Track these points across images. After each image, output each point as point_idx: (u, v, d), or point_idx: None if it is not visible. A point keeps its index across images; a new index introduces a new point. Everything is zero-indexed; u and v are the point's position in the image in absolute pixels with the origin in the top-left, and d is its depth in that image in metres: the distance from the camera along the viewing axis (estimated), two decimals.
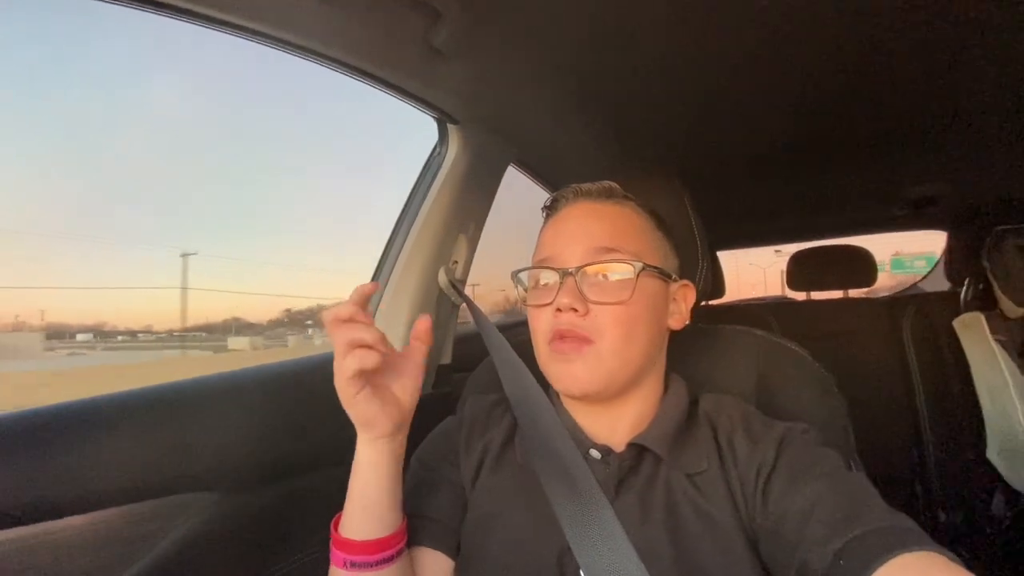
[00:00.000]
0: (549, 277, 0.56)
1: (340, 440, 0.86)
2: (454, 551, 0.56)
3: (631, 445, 0.54)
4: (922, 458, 1.53)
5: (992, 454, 1.26)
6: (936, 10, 0.76)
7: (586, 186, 0.60)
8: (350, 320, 0.46)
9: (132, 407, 0.61)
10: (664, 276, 0.57)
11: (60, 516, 0.52)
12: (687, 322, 0.60)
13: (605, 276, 0.54)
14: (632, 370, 0.54)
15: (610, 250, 0.54)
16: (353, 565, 0.49)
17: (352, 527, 0.50)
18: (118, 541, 0.56)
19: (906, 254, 7.27)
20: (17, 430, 0.52)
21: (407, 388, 0.51)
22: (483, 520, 0.55)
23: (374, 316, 0.93)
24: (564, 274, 0.54)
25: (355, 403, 0.48)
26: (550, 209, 0.62)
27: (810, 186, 1.64)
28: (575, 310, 0.52)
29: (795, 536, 0.44)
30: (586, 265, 0.54)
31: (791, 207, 1.86)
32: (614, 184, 0.60)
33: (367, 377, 0.47)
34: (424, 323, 0.53)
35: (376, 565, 0.49)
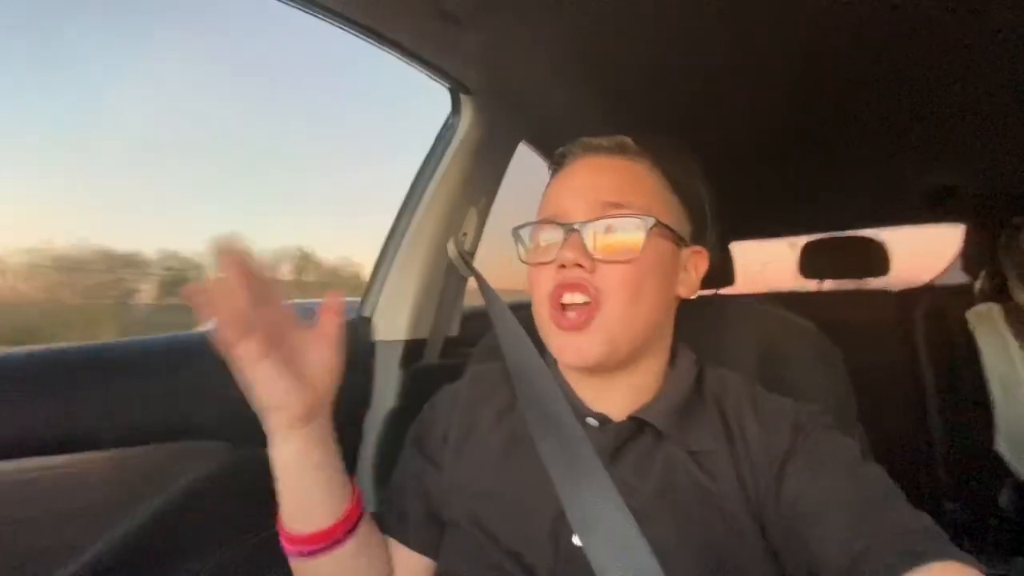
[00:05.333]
0: (553, 234, 0.52)
1: (348, 405, 0.88)
2: (429, 547, 0.56)
3: (631, 418, 0.52)
4: (929, 448, 1.52)
5: (1000, 445, 1.25)
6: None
7: (596, 140, 0.56)
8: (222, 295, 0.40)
9: (150, 352, 0.63)
10: (676, 238, 0.53)
11: (78, 450, 0.54)
12: (696, 291, 0.57)
13: (613, 232, 0.50)
14: (637, 337, 0.51)
15: (618, 205, 0.51)
16: (301, 554, 0.49)
17: (291, 522, 0.48)
18: (135, 479, 0.58)
19: None
20: (53, 365, 0.54)
21: (320, 366, 0.46)
22: (476, 488, 0.54)
23: (382, 287, 0.95)
24: (568, 230, 0.50)
25: (255, 383, 0.43)
26: (557, 165, 0.58)
27: (825, 176, 1.63)
28: (580, 266, 0.49)
29: (810, 531, 0.42)
30: (592, 220, 0.50)
31: (805, 198, 1.84)
32: (627, 139, 0.56)
33: (261, 351, 0.42)
34: (334, 297, 0.48)
35: (323, 551, 0.48)
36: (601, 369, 0.52)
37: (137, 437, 0.59)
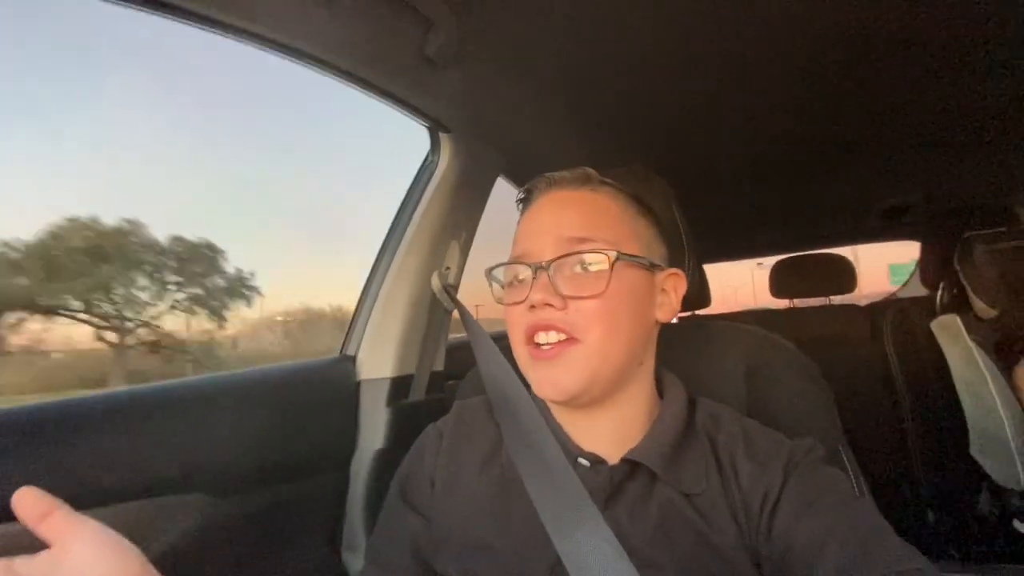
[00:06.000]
0: (523, 273, 0.53)
1: (334, 447, 0.86)
2: None
3: (624, 460, 0.50)
4: (908, 460, 1.56)
5: (975, 451, 1.29)
6: (907, 24, 0.80)
7: (559, 174, 0.56)
8: None
9: (124, 406, 0.61)
10: (645, 265, 0.53)
11: None
12: (677, 313, 0.57)
13: (584, 268, 0.50)
14: (615, 369, 0.51)
15: (582, 240, 0.51)
16: None
17: None
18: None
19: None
20: (12, 425, 0.52)
21: (92, 558, 0.35)
22: (467, 537, 0.52)
23: (367, 322, 0.94)
24: (536, 269, 0.51)
25: None
26: (524, 201, 0.59)
27: (784, 199, 1.70)
28: (551, 305, 0.49)
29: (803, 570, 0.42)
30: (557, 258, 0.51)
31: (770, 220, 1.92)
32: (590, 170, 0.56)
33: None
34: (22, 496, 0.36)
35: None
36: (582, 402, 0.51)
37: (117, 495, 0.57)
